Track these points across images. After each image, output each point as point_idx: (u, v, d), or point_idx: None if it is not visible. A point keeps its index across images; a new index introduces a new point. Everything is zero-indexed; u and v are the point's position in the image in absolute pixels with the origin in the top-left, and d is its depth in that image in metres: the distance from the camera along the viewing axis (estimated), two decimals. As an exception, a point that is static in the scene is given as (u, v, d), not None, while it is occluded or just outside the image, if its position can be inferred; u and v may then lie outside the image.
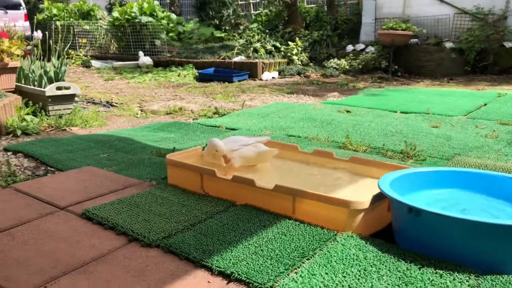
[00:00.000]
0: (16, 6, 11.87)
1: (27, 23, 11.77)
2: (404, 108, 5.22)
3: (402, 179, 2.18)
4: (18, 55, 4.71)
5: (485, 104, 5.48)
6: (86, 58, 9.90)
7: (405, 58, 8.96)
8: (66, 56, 10.24)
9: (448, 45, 8.78)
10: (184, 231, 2.00)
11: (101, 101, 6.15)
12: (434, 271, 1.65)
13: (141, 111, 5.52)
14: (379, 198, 2.03)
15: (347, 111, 5.02)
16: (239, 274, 1.63)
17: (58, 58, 5.37)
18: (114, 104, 5.97)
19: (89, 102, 6.20)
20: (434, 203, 2.12)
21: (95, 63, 9.60)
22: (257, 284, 1.57)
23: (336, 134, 4.01)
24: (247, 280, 1.60)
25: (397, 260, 1.74)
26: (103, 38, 10.46)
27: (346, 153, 3.29)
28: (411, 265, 1.70)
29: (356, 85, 7.65)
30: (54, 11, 10.69)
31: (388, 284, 1.57)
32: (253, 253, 1.78)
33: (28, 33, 11.10)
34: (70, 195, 2.45)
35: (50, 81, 5.04)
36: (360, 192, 2.36)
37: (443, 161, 3.19)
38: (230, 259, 1.73)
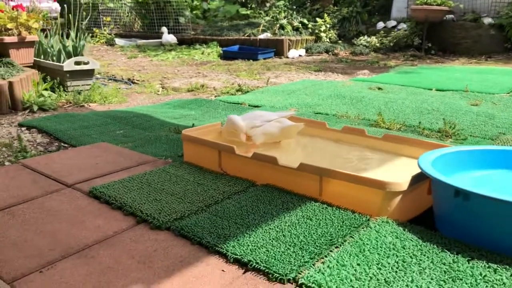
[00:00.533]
0: (43, -16, 11.79)
1: (56, 4, 11.71)
2: (440, 85, 4.88)
3: (445, 158, 1.92)
4: (36, 29, 4.57)
5: (528, 82, 5.09)
6: (110, 36, 9.77)
7: (440, 35, 8.49)
8: (89, 34, 10.19)
9: (487, 21, 8.26)
10: (198, 213, 1.80)
11: (122, 78, 5.99)
12: (486, 265, 1.40)
13: (162, 88, 5.34)
14: (419, 179, 1.78)
15: (379, 88, 4.72)
16: (257, 263, 1.42)
17: (77, 33, 5.20)
18: (136, 81, 5.81)
19: (110, 79, 6.06)
20: (482, 186, 1.86)
21: (119, 41, 9.46)
22: (278, 275, 1.36)
23: (367, 111, 3.73)
24: (267, 270, 1.39)
25: (441, 250, 1.50)
26: (127, 16, 10.30)
27: (378, 131, 3.02)
28: (458, 257, 1.45)
29: (387, 63, 7.29)
30: (78, -12, 10.55)
31: (432, 279, 1.34)
32: (274, 239, 1.57)
33: (55, 14, 11.09)
34: (79, 172, 2.28)
35: (69, 55, 4.90)
36: (395, 173, 2.11)
37: (487, 141, 2.89)
38: (248, 245, 1.53)
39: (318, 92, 4.53)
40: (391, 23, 9.26)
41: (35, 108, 3.88)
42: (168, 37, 8.98)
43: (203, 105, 4.25)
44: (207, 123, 3.50)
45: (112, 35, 9.85)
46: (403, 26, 8.90)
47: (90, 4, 10.27)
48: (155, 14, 9.51)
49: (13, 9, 4.47)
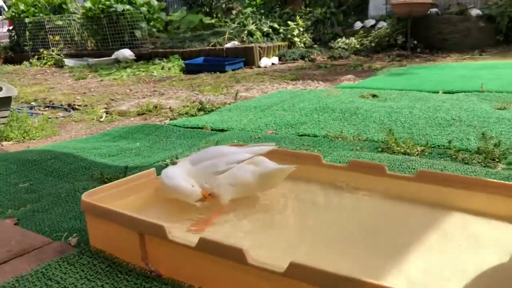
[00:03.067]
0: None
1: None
2: (447, 87, 3.98)
3: None
4: None
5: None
6: (59, 57, 8.68)
7: (424, 31, 7.69)
8: (34, 56, 9.09)
9: (475, 12, 7.50)
10: None
11: (61, 105, 4.95)
12: None
13: (107, 113, 4.32)
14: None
15: (373, 96, 3.79)
16: None
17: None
18: (77, 107, 4.77)
19: (47, 106, 5.01)
20: None
21: (68, 61, 8.39)
22: None
23: (367, 128, 2.79)
24: None
25: None
26: (78, 34, 9.23)
27: (395, 159, 2.07)
28: None
29: (372, 65, 6.41)
30: (22, 6, 9.46)
31: None
32: None
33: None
34: None
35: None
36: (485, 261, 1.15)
37: (558, 164, 1.97)
38: None
39: (299, 105, 3.58)
40: (370, 22, 8.44)
41: None
42: (125, 52, 7.95)
43: (152, 133, 3.25)
44: (155, 160, 2.53)
45: (62, 55, 8.76)
46: (383, 24, 8.08)
47: (34, 23, 9.18)
48: (107, 29, 8.47)
49: None
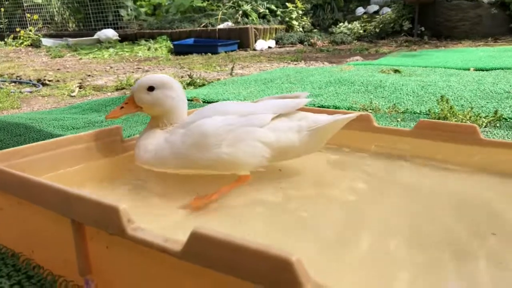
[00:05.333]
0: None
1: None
2: (476, 65, 3.43)
3: None
4: None
5: None
6: (37, 36, 7.98)
7: (432, 18, 7.16)
8: (9, 35, 8.38)
9: (486, -2, 6.99)
10: None
11: (30, 80, 4.30)
12: None
13: (80, 88, 3.68)
14: None
15: (395, 71, 3.22)
16: None
17: None
18: (47, 82, 4.12)
19: (14, 81, 4.35)
20: None
21: (46, 41, 7.70)
22: None
23: (402, 100, 2.22)
24: None
25: None
26: (58, 12, 8.53)
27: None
28: None
29: (379, 49, 5.85)
30: (-2, -18, 8.72)
31: None
32: None
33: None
34: None
35: None
36: None
37: None
38: None
39: (308, 79, 2.99)
40: (373, 7, 7.89)
41: None
42: (108, 32, 7.29)
43: (130, 106, 2.63)
44: (129, 134, 1.92)
45: (40, 35, 8.06)
46: (387, 10, 7.54)
47: (11, 1, 8.47)
48: (90, 7, 7.80)
49: None
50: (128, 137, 1.27)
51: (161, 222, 0.82)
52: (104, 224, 0.58)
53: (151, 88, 1.03)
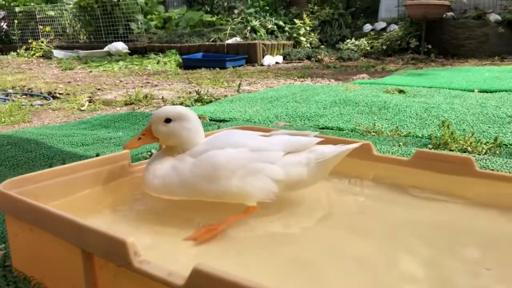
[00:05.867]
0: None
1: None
2: (481, 86, 3.46)
3: None
4: None
5: None
6: (48, 48, 8.12)
7: (439, 36, 7.21)
8: (21, 46, 8.53)
9: (493, 17, 7.03)
10: None
11: (41, 93, 4.38)
12: None
13: (90, 102, 3.76)
14: None
15: (400, 91, 3.26)
16: None
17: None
18: (58, 95, 4.21)
19: (25, 94, 4.44)
20: None
21: (57, 53, 7.83)
22: None
23: (405, 123, 2.26)
24: None
25: None
26: (70, 25, 8.68)
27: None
28: None
29: (385, 67, 5.90)
30: (13, -5, 8.91)
31: None
32: None
33: None
34: None
35: None
36: None
37: None
38: None
39: (313, 98, 3.04)
40: (380, 24, 7.96)
41: None
42: (118, 45, 7.41)
43: (138, 122, 2.70)
44: (138, 152, 1.97)
45: (51, 47, 8.21)
46: (394, 27, 7.60)
47: (25, 13, 8.63)
48: (101, 20, 7.93)
49: None
50: (136, 159, 1.31)
51: (167, 250, 0.86)
52: (113, 256, 0.62)
53: (168, 120, 1.07)
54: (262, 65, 6.57)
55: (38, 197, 0.87)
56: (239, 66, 6.44)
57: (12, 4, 9.01)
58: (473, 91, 3.31)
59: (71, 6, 8.51)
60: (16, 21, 8.59)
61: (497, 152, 1.68)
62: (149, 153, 1.92)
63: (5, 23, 9.56)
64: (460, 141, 1.74)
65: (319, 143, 1.09)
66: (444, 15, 7.23)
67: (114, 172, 1.08)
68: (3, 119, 3.02)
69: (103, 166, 1.06)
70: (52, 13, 8.84)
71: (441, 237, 0.93)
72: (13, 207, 0.79)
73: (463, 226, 0.99)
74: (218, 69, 6.04)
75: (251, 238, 0.94)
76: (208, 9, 10.88)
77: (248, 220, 1.00)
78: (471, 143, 1.71)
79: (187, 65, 6.43)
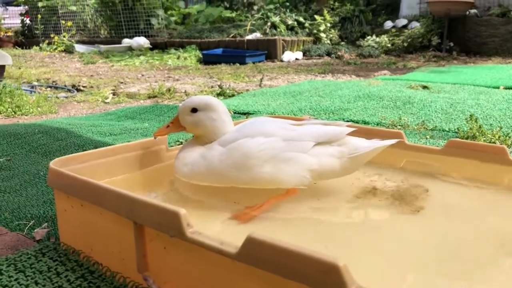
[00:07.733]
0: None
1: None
2: (508, 82, 3.43)
3: None
4: None
5: None
6: (70, 42, 8.24)
7: (461, 34, 7.12)
8: (44, 40, 8.67)
9: (518, 15, 6.93)
10: None
11: (65, 85, 4.46)
12: None
13: (114, 94, 3.82)
14: None
15: (424, 87, 3.24)
16: None
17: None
18: (81, 88, 4.28)
19: (50, 86, 4.52)
20: None
21: (79, 47, 7.94)
22: None
23: (430, 117, 2.25)
24: None
25: None
26: (92, 20, 8.80)
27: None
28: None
29: (407, 64, 5.86)
30: (36, -10, 9.05)
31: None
32: None
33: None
34: None
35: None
36: None
37: None
38: None
39: (337, 92, 3.04)
40: (401, 21, 7.89)
41: None
42: (140, 40, 7.49)
43: (163, 114, 2.75)
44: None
45: (73, 41, 8.32)
46: (416, 24, 7.53)
47: (48, 8, 8.77)
48: (122, 15, 8.02)
49: None
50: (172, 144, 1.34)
51: (211, 229, 0.89)
52: (166, 227, 0.65)
53: (194, 110, 1.09)
54: (281, 61, 6.58)
55: (84, 176, 0.90)
56: (259, 61, 6.46)
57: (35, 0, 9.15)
58: (498, 87, 3.28)
59: (93, 1, 8.62)
60: (39, 16, 8.74)
61: (528, 145, 1.67)
62: (178, 142, 1.95)
63: (27, 18, 9.72)
64: (488, 135, 1.74)
65: (352, 133, 1.10)
66: (467, 12, 7.14)
67: (153, 155, 1.11)
68: (31, 110, 3.09)
69: (143, 149, 1.09)
70: (74, 8, 8.96)
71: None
72: (65, 184, 0.83)
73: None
74: (238, 64, 6.06)
75: (292, 219, 0.96)
76: (228, 5, 10.91)
77: (287, 203, 1.02)
78: (499, 136, 1.71)
79: (207, 60, 6.47)
